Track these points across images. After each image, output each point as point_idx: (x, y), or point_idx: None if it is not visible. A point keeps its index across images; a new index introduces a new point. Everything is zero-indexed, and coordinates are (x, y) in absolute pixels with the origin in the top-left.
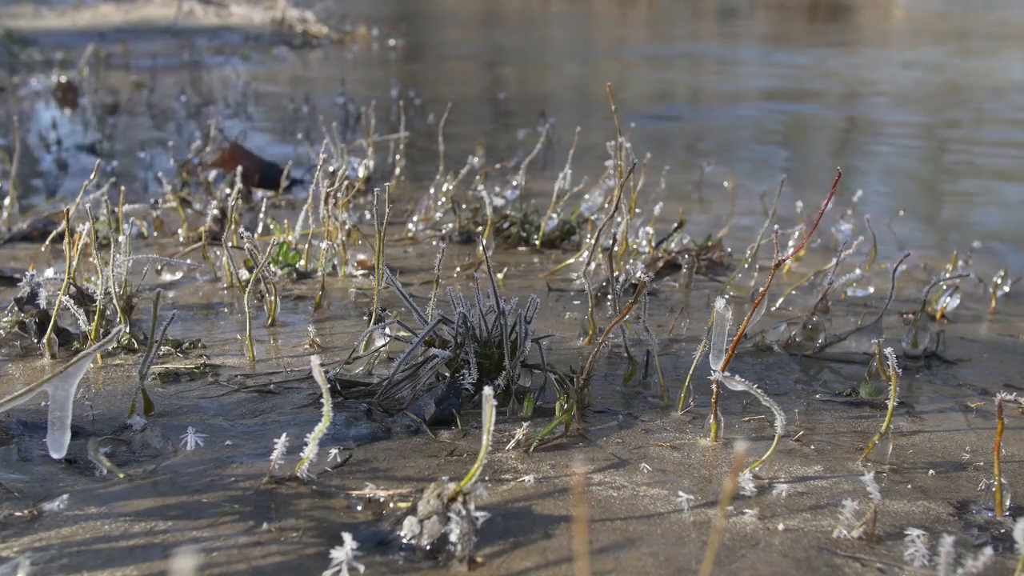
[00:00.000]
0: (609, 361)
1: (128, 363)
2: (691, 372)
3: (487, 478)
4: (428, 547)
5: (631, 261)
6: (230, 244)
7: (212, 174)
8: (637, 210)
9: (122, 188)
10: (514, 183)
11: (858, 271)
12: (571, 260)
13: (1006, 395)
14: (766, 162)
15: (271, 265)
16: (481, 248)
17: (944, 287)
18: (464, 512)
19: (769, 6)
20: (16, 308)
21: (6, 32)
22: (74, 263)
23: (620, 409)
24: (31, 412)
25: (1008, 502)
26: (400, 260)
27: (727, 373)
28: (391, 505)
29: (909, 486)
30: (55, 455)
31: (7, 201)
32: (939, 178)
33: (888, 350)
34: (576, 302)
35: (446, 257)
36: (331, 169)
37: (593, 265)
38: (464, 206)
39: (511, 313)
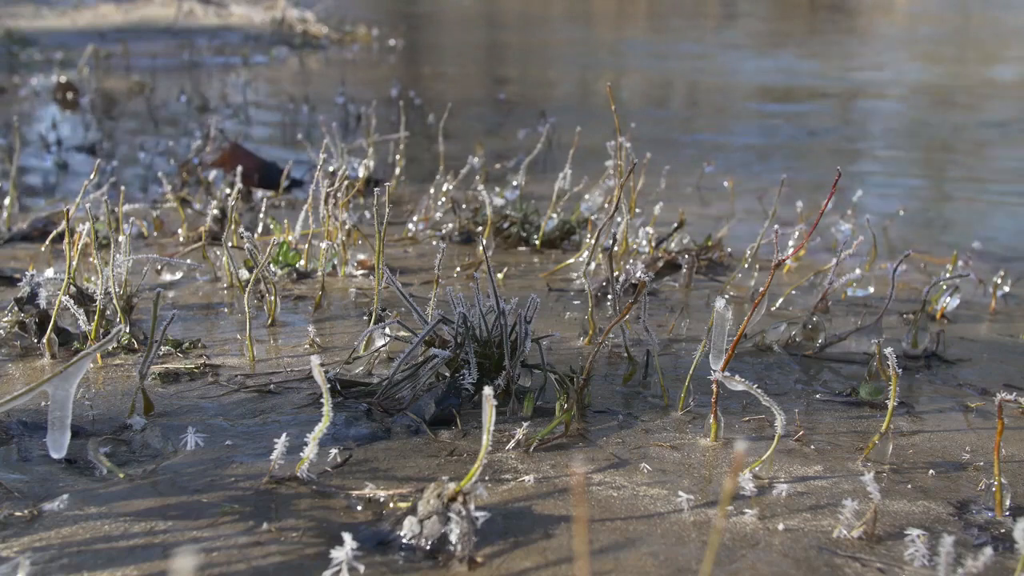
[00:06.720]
0: (609, 361)
1: (128, 363)
2: (691, 372)
3: (487, 478)
4: (428, 547)
5: (631, 261)
6: (230, 244)
7: (212, 174)
8: (637, 210)
9: (122, 188)
10: (514, 183)
11: (858, 271)
12: (571, 260)
13: (1006, 395)
14: (766, 162)
15: (271, 265)
16: (481, 248)
17: (944, 287)
18: (464, 512)
19: (769, 5)
20: (16, 308)
21: (6, 32)
22: (74, 263)
23: (620, 409)
24: (31, 412)
25: (1008, 502)
26: (400, 260)
27: (727, 373)
28: (391, 505)
29: (909, 486)
30: (55, 455)
31: (7, 201)
32: (939, 178)
33: (888, 350)
34: (576, 302)
35: (446, 257)
36: (331, 169)
37: (593, 265)
38: (464, 206)
39: (511, 313)
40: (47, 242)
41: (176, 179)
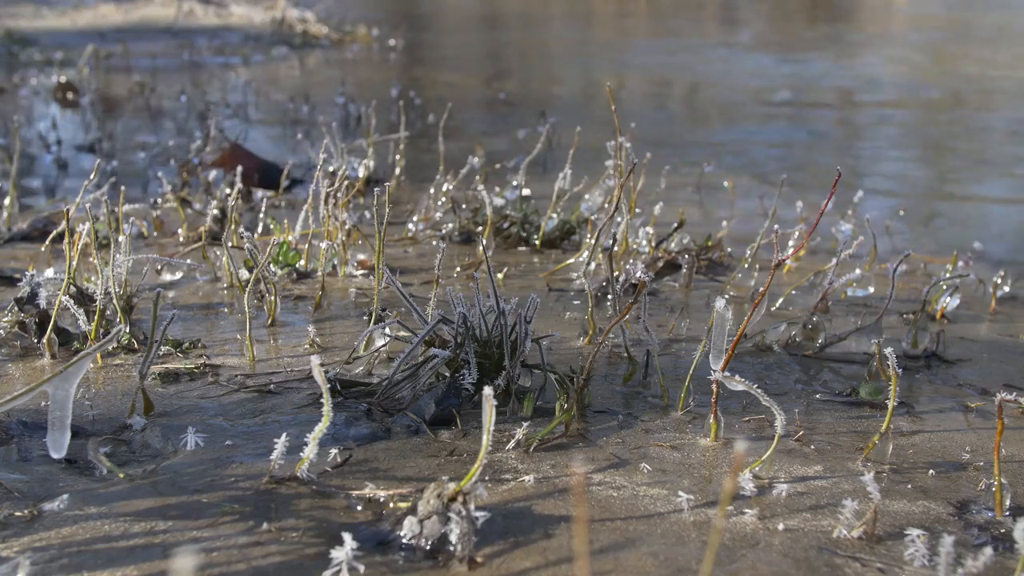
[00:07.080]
0: (609, 361)
1: (128, 363)
2: (691, 372)
3: (487, 478)
4: (428, 547)
5: (631, 261)
6: (230, 244)
7: (212, 174)
8: (637, 210)
9: (122, 188)
10: (514, 183)
11: (858, 271)
12: (571, 260)
13: (1006, 395)
14: (766, 163)
15: (271, 265)
16: (481, 248)
17: (944, 287)
18: (464, 512)
19: (770, 6)
20: (16, 308)
21: (6, 32)
22: (74, 263)
23: (620, 409)
24: (31, 412)
25: (1008, 502)
26: (400, 260)
27: (727, 373)
28: (391, 505)
29: (909, 486)
30: (55, 455)
31: (7, 201)
32: (940, 178)
33: (888, 350)
34: (576, 302)
35: (446, 257)
36: (331, 169)
37: (593, 265)
38: (464, 206)
39: (511, 313)
40: (47, 242)
41: (176, 179)
